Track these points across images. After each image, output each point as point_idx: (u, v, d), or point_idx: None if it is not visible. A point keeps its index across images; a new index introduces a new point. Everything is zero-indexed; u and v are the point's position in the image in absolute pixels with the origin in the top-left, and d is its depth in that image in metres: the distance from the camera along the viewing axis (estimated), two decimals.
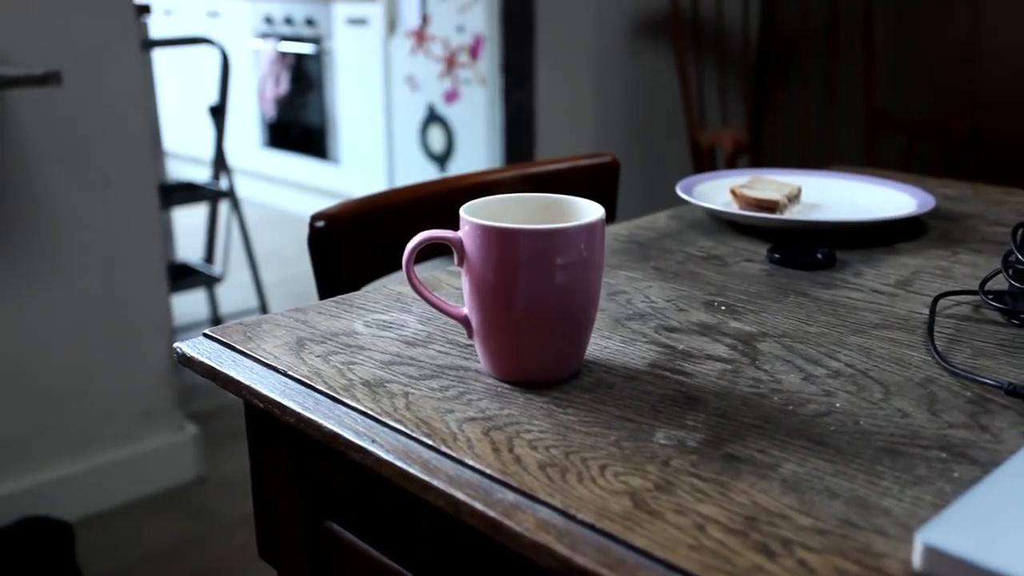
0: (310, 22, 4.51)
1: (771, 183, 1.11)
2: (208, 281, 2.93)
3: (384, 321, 0.79)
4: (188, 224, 3.91)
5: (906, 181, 1.25)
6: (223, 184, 3.00)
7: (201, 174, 4.13)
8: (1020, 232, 0.81)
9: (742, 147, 2.81)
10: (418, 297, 0.80)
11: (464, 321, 0.68)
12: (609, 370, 0.69)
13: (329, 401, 0.65)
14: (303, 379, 0.67)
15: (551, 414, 0.62)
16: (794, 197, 1.08)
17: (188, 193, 2.92)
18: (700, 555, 0.47)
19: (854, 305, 0.82)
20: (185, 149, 5.34)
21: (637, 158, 3.19)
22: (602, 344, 0.74)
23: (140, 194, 2.16)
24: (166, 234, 3.04)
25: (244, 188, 4.86)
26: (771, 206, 1.04)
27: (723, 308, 0.82)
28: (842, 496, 0.52)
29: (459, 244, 0.65)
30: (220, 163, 3.01)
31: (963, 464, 0.56)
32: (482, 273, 0.64)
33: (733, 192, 1.08)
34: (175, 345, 0.75)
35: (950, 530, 0.46)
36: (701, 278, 0.90)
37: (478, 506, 0.53)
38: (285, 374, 0.69)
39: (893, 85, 3.18)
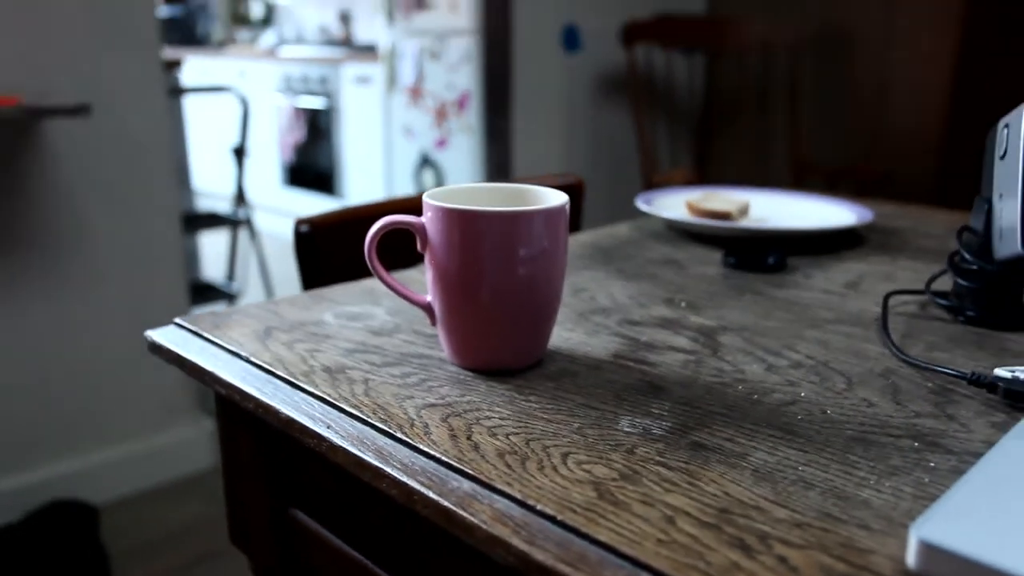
0: (322, 81, 4.40)
1: (722, 198, 1.00)
2: (226, 297, 2.79)
3: (353, 313, 0.67)
4: (214, 251, 3.78)
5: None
6: (242, 214, 2.87)
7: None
8: (964, 234, 0.70)
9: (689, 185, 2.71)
10: (389, 292, 0.68)
11: (427, 308, 0.56)
12: (573, 359, 0.57)
13: (288, 387, 0.53)
14: (264, 365, 0.55)
15: (513, 401, 0.50)
16: (744, 210, 0.97)
17: (211, 220, 2.79)
18: (670, 551, 0.35)
19: (808, 303, 0.71)
20: (218, 189, 5.21)
21: (599, 194, 3.09)
22: (565, 336, 0.62)
23: (164, 218, 2.04)
24: (193, 257, 2.91)
25: (268, 222, 4.73)
26: (724, 216, 0.93)
27: (683, 304, 0.70)
28: (818, 487, 0.41)
29: (421, 229, 0.53)
30: (240, 196, 2.89)
31: (937, 453, 0.45)
32: (444, 258, 0.52)
33: (688, 205, 0.97)
34: (146, 333, 0.63)
35: (946, 525, 0.35)
36: (661, 278, 0.78)
37: (431, 495, 0.41)
38: (248, 360, 0.57)
39: (816, 135, 3.11)
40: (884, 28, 2.93)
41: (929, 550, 0.34)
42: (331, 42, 5.21)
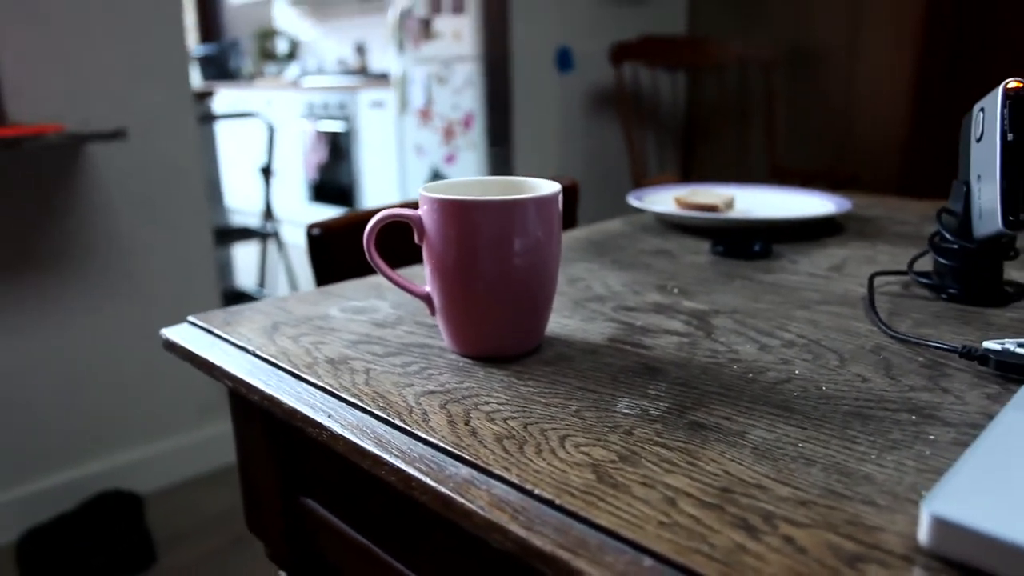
0: (341, 106, 4.36)
1: (709, 193, 0.95)
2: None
3: (358, 307, 0.62)
4: (246, 261, 3.74)
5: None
6: (270, 228, 2.83)
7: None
8: (943, 216, 0.65)
9: None
10: (393, 286, 0.64)
11: (426, 299, 0.52)
12: (570, 345, 0.53)
13: (292, 379, 0.48)
14: (270, 358, 0.51)
15: (511, 386, 0.46)
16: (729, 204, 0.93)
17: (242, 234, 2.75)
18: (672, 534, 0.31)
19: (795, 286, 0.66)
20: (249, 206, 5.17)
21: (593, 200, 3.04)
22: (563, 322, 0.57)
23: (197, 232, 2.00)
24: (226, 267, 2.86)
25: (294, 234, 4.69)
26: (711, 209, 0.88)
27: (675, 290, 0.66)
28: (819, 463, 0.36)
29: (418, 221, 0.49)
30: (268, 212, 2.85)
31: (935, 426, 0.40)
32: (441, 248, 0.48)
33: (677, 200, 0.92)
34: (161, 331, 0.59)
35: (957, 500, 0.30)
36: (653, 267, 0.74)
37: (429, 482, 0.36)
38: (254, 354, 0.52)
39: (789, 141, 3.06)
40: (849, 43, 2.88)
41: (942, 526, 0.29)
42: (348, 72, 5.17)
